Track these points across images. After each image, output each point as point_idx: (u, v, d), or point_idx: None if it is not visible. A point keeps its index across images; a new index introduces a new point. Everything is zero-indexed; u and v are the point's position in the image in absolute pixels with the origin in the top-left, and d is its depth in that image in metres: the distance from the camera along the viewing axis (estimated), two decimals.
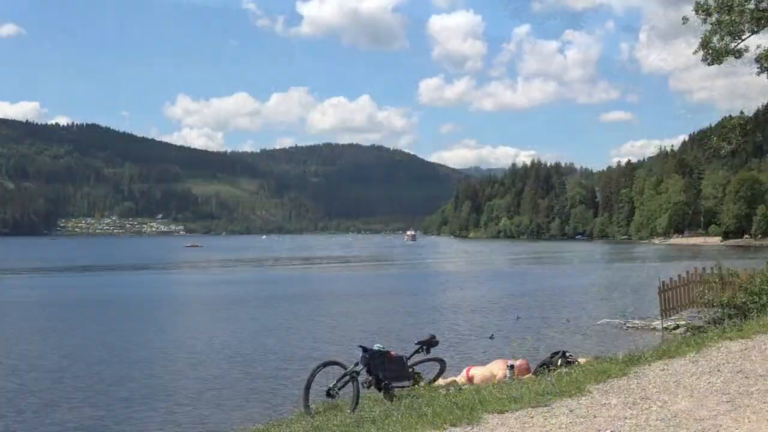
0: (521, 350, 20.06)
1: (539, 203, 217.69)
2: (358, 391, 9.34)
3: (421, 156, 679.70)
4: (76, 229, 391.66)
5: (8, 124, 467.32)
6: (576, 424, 6.61)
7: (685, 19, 23.34)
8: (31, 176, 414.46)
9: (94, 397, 16.12)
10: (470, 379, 11.63)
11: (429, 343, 10.95)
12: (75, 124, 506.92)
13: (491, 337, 23.43)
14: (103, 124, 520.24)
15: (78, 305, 36.17)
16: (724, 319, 19.52)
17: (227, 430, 12.53)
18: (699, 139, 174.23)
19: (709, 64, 22.93)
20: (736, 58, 22.56)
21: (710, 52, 22.55)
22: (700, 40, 22.62)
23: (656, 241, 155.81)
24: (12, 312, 33.67)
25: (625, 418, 6.70)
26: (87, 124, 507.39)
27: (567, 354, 13.09)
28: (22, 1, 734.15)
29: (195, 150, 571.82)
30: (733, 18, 21.66)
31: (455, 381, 11.55)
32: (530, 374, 11.57)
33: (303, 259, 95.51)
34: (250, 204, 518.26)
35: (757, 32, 22.15)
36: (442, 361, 11.57)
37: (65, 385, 17.45)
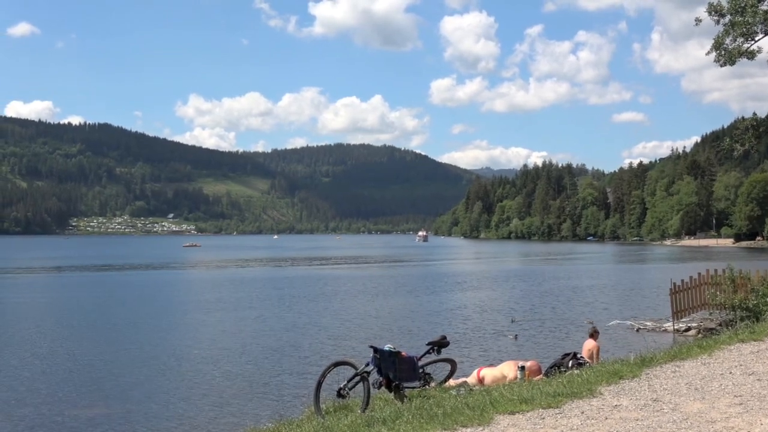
0: (533, 351, 20.09)
1: (551, 204, 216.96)
2: (369, 392, 9.33)
3: (432, 156, 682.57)
4: (88, 228, 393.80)
5: (21, 123, 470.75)
6: (587, 425, 6.61)
7: (698, 21, 23.30)
8: (43, 175, 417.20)
9: (106, 394, 16.23)
10: (481, 380, 11.62)
11: (440, 344, 10.94)
12: (87, 123, 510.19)
13: (515, 338, 23.41)
14: (116, 123, 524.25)
15: (78, 306, 36.33)
16: (736, 321, 19.46)
17: (238, 429, 12.60)
18: (711, 140, 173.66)
19: (721, 66, 22.85)
20: (749, 59, 22.47)
21: (723, 53, 22.45)
22: (712, 41, 22.54)
23: (668, 242, 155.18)
24: (16, 312, 33.94)
25: (637, 420, 6.69)
26: (99, 124, 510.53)
27: (578, 355, 13.09)
28: (36, 1, 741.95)
29: (207, 150, 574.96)
30: (746, 19, 21.56)
31: (466, 382, 11.54)
32: (541, 375, 11.56)
33: (314, 258, 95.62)
34: (261, 204, 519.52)
35: None
36: (452, 362, 11.57)
37: (79, 381, 17.58)
